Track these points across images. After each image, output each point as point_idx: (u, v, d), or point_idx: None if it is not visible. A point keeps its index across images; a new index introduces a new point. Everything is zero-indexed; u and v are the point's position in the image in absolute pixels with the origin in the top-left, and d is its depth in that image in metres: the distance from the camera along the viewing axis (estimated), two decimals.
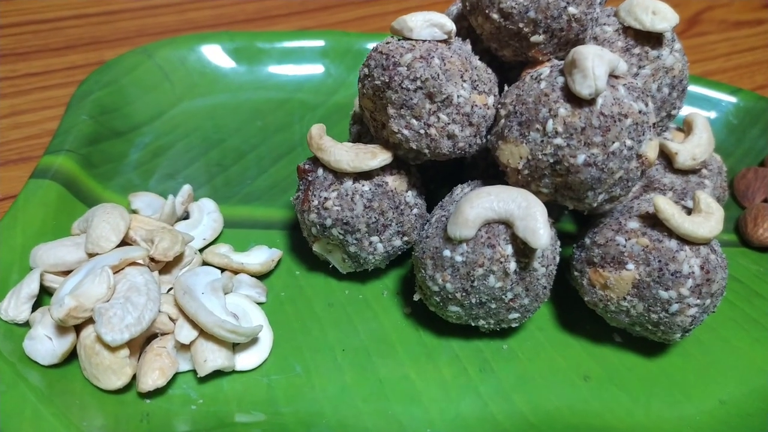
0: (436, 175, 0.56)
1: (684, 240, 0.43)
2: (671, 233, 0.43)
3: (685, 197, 0.51)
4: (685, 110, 0.71)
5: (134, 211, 0.53)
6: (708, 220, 0.43)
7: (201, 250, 0.52)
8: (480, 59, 0.48)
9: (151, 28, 0.86)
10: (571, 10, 0.43)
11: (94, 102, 0.61)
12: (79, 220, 0.49)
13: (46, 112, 0.68)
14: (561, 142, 0.41)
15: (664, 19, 0.46)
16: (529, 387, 0.45)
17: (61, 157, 0.54)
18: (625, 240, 0.44)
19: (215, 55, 0.72)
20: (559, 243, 0.47)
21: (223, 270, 0.49)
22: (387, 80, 0.44)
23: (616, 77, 0.42)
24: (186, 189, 0.54)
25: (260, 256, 0.51)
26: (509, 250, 0.42)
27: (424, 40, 0.44)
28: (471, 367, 0.46)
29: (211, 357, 0.42)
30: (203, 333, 0.43)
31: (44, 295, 0.46)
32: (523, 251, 0.43)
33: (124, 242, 0.47)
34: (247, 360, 0.44)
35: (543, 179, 0.43)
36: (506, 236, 0.43)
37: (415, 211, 0.49)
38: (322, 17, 0.94)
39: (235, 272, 0.49)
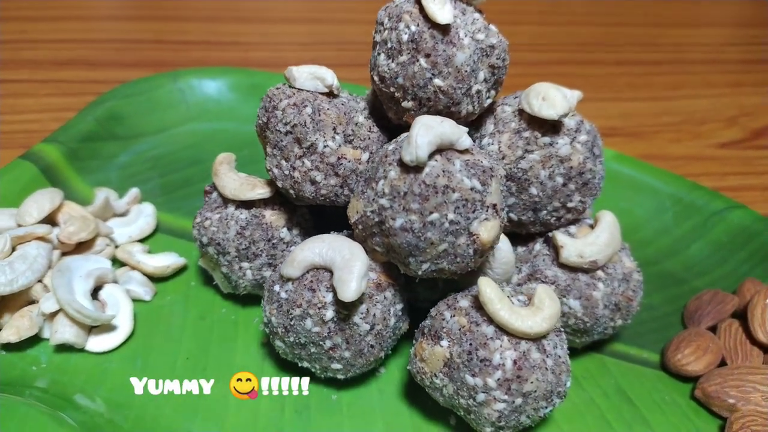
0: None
1: (504, 330, 0.41)
2: (492, 319, 0.41)
3: (568, 295, 0.48)
4: (678, 218, 0.67)
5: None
6: (534, 315, 0.41)
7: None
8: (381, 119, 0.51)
9: (213, 61, 0.97)
10: (437, 82, 0.44)
11: (106, 109, 0.72)
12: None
13: None
14: (385, 203, 0.41)
15: (552, 107, 0.45)
16: None
17: (50, 146, 0.64)
18: (450, 316, 0.43)
19: (233, 87, 0.81)
20: (400, 306, 0.47)
21: (123, 264, 0.56)
22: (266, 121, 0.48)
23: (461, 152, 0.42)
24: (133, 192, 0.62)
25: (162, 261, 0.56)
26: (329, 297, 0.44)
27: (307, 90, 0.48)
28: (289, 406, 0.47)
29: (61, 330, 0.48)
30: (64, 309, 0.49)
31: None
32: (344, 303, 0.43)
33: (52, 221, 0.55)
34: (98, 343, 0.49)
35: (374, 237, 0.44)
36: (329, 284, 0.44)
37: (292, 248, 0.52)
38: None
39: (133, 268, 0.55)
